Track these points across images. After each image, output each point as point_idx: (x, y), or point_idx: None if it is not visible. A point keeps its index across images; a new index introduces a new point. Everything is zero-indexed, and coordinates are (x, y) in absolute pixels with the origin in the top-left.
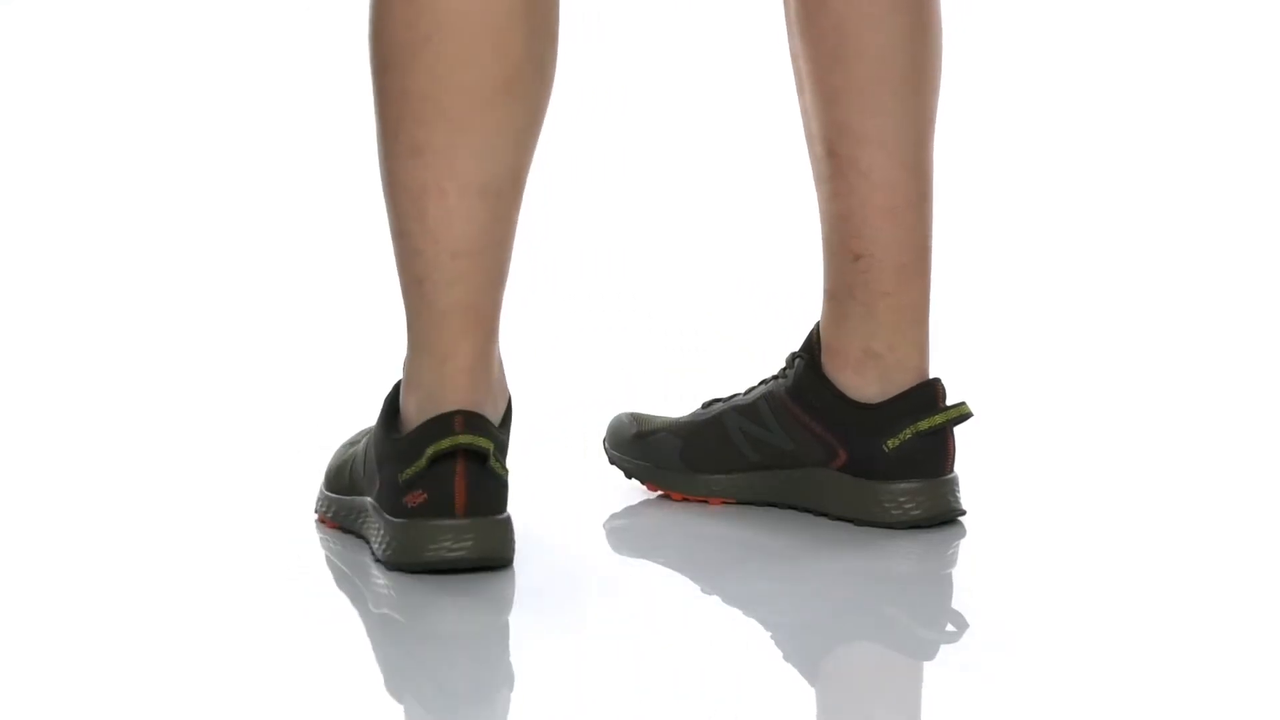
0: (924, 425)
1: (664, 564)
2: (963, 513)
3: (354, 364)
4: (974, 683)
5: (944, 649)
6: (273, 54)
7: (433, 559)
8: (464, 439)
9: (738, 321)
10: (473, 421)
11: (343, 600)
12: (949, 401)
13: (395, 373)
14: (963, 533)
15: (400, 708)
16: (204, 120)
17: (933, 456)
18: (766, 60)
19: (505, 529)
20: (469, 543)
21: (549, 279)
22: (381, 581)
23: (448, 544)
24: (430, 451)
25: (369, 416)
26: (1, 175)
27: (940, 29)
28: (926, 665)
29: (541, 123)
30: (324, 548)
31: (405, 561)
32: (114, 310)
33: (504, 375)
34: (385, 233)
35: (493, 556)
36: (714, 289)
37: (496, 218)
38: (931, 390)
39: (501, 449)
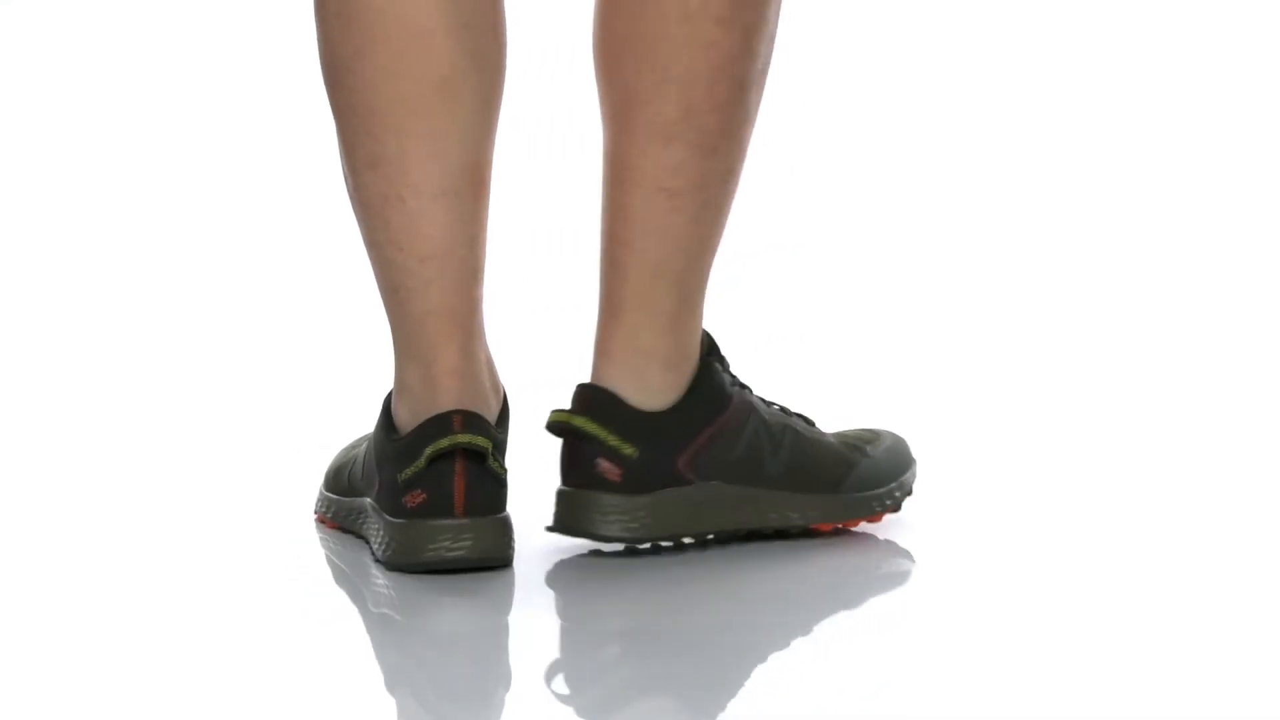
0: (428, 451)
1: (664, 564)
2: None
3: (354, 365)
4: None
5: (938, 648)
6: (271, 56)
7: (432, 559)
8: (462, 438)
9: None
10: (471, 421)
11: (343, 600)
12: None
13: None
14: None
15: (400, 708)
16: (204, 123)
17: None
18: None
19: (505, 528)
20: (468, 542)
21: (535, 274)
22: (381, 581)
23: (447, 543)
24: (429, 451)
25: (369, 418)
26: (1, 175)
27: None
28: (928, 666)
29: (493, 118)
30: (324, 548)
31: (405, 562)
32: (114, 312)
33: (496, 374)
34: None
35: (492, 556)
36: None
37: (460, 218)
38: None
39: (500, 448)
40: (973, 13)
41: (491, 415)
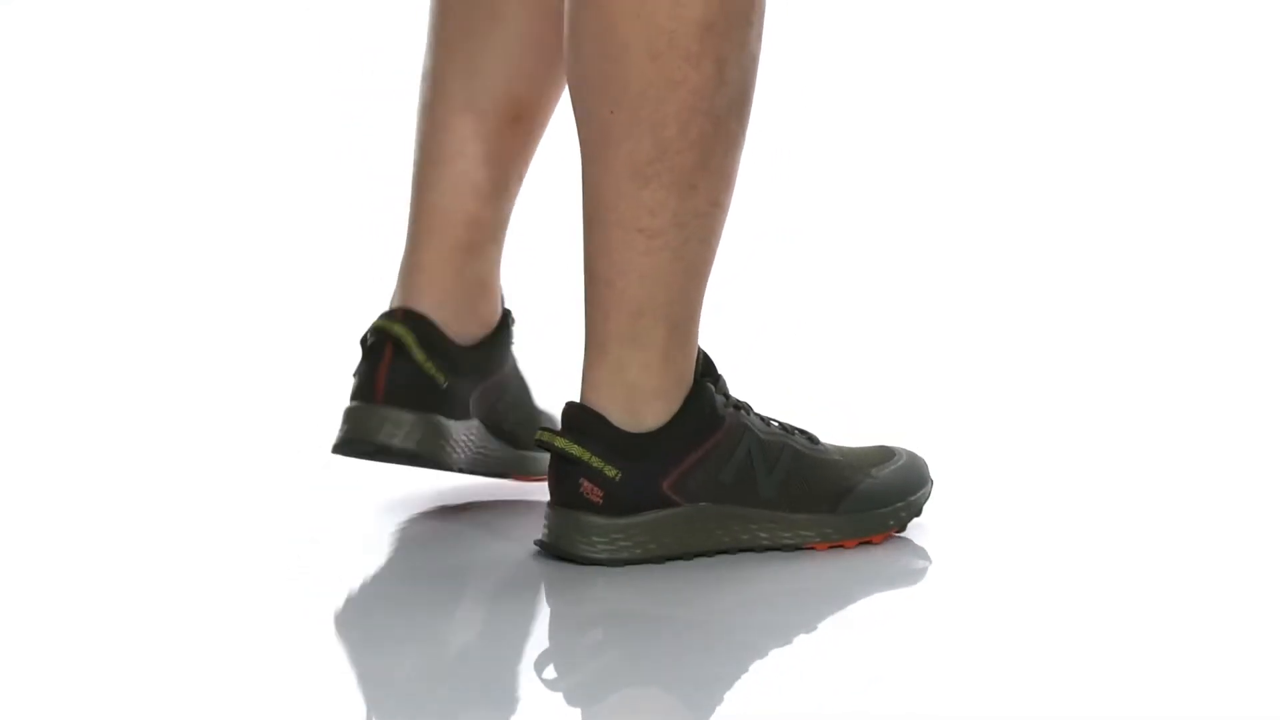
0: (364, 335)
1: (664, 564)
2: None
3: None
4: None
5: (933, 645)
6: (270, 54)
7: (340, 440)
8: (389, 326)
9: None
10: (411, 317)
11: (342, 601)
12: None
13: None
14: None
15: (399, 707)
16: (204, 124)
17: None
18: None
19: (428, 426)
20: (386, 429)
21: (548, 266)
22: (381, 582)
23: (363, 427)
24: (364, 335)
25: None
26: (1, 175)
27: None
28: (924, 664)
29: (536, 55)
30: (324, 548)
31: (334, 444)
32: (114, 311)
33: (495, 310)
34: (384, 233)
35: (407, 449)
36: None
37: (475, 134)
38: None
39: (445, 355)
40: (967, 16)
41: (454, 331)
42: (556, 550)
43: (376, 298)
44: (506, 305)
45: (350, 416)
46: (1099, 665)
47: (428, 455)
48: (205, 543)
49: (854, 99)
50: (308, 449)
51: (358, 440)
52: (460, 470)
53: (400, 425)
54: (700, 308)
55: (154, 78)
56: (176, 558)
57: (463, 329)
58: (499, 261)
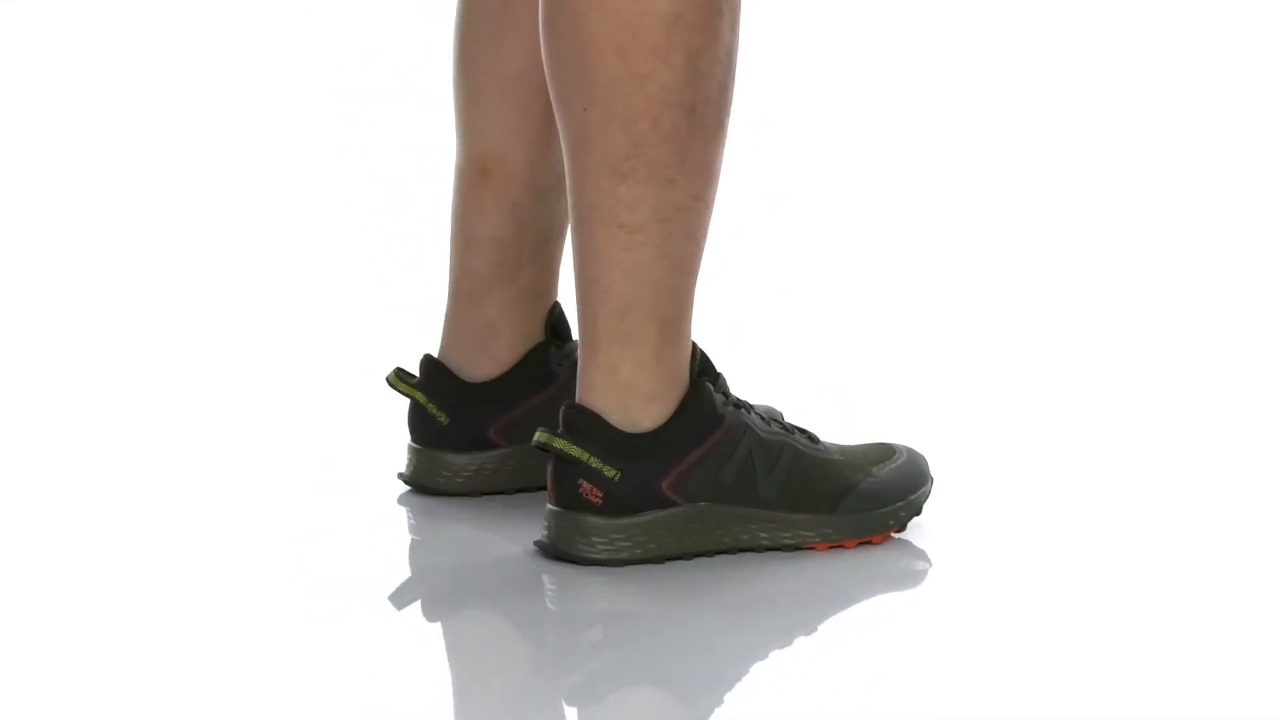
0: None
1: (664, 564)
2: (562, 556)
3: (354, 366)
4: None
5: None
6: (272, 54)
7: (404, 477)
8: (389, 377)
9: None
10: (427, 364)
11: (342, 600)
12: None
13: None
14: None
15: (399, 707)
16: (205, 124)
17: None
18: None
19: (432, 460)
20: (409, 465)
21: None
22: (381, 582)
23: (414, 468)
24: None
25: (368, 417)
26: (1, 175)
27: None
28: (924, 666)
29: (503, 110)
30: (324, 548)
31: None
32: (114, 311)
33: (510, 344)
34: (384, 234)
35: (417, 481)
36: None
37: (459, 190)
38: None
39: (448, 395)
40: (967, 14)
41: (468, 371)
42: (556, 551)
43: (376, 298)
44: (555, 338)
45: (408, 453)
46: (1099, 665)
47: (436, 482)
48: (206, 543)
49: (850, 91)
50: (308, 449)
51: (414, 482)
52: (502, 491)
53: (418, 460)
54: (691, 305)
55: (154, 78)
56: (177, 557)
57: (476, 368)
58: (516, 303)
